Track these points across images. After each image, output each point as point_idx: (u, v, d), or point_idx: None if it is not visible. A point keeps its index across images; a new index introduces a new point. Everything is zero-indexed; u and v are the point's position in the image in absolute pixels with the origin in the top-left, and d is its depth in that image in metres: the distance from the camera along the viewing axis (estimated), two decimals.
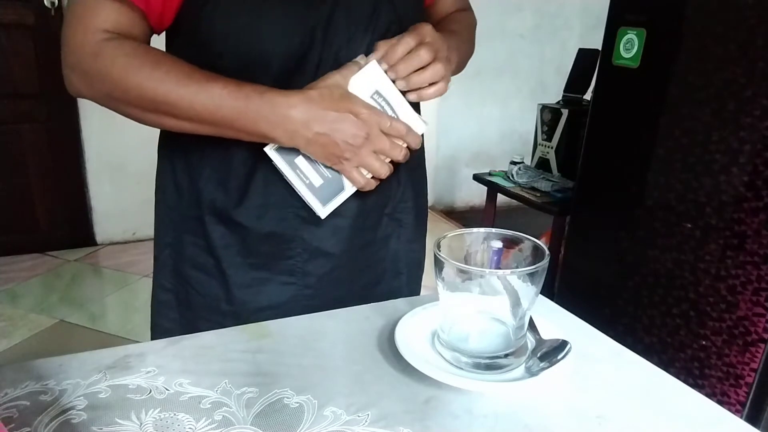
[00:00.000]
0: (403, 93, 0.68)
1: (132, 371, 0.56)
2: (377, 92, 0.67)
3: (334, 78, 0.66)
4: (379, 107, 0.68)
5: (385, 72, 0.67)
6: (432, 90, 0.69)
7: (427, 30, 0.68)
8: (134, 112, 0.67)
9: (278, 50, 0.66)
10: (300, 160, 0.68)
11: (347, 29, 0.68)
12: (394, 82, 0.67)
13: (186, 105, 0.64)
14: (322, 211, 0.70)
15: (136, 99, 0.65)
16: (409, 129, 0.69)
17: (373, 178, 0.69)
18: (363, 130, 0.65)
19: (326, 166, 0.68)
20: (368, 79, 0.66)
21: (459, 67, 0.82)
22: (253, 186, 0.72)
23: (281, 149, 0.67)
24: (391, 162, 0.69)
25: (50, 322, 2.35)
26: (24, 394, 0.52)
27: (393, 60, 0.66)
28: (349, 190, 0.70)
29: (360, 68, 0.66)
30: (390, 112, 0.68)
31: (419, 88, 0.68)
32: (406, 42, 0.66)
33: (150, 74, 0.64)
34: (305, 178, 0.68)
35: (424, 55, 0.66)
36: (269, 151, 0.67)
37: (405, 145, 0.69)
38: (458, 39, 0.80)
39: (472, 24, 0.90)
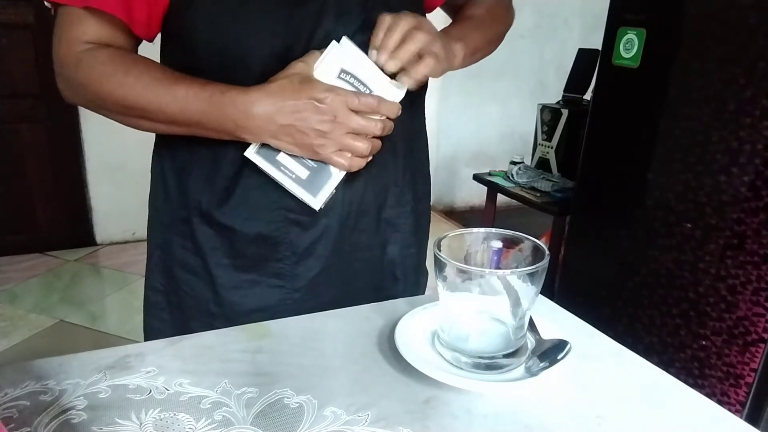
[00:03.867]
0: (393, 75, 0.66)
1: (132, 371, 0.56)
2: (343, 71, 0.65)
3: (296, 66, 0.65)
4: (348, 86, 0.66)
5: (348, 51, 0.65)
6: (421, 66, 0.66)
7: (401, 13, 0.65)
8: (115, 117, 0.70)
9: (260, 51, 0.66)
10: (282, 157, 0.66)
11: (335, 29, 0.67)
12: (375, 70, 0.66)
13: (155, 108, 0.65)
14: (315, 203, 0.68)
15: (112, 105, 0.67)
16: (380, 100, 0.65)
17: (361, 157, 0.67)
18: (328, 114, 0.63)
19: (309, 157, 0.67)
20: (332, 60, 0.65)
21: (479, 51, 0.80)
22: (240, 187, 0.71)
23: (261, 150, 0.66)
24: (382, 138, 0.67)
25: (50, 322, 2.35)
26: (24, 394, 0.52)
27: (377, 42, 0.65)
28: (338, 175, 0.67)
29: (322, 52, 0.65)
30: (362, 88, 0.66)
31: (408, 70, 0.66)
32: (381, 21, 0.65)
33: (122, 80, 0.65)
34: (290, 173, 0.66)
35: (420, 38, 0.64)
36: (250, 154, 0.66)
37: (382, 118, 0.66)
38: (471, 24, 0.78)
39: (498, 1, 0.86)
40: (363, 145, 0.65)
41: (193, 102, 0.64)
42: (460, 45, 0.74)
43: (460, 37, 0.75)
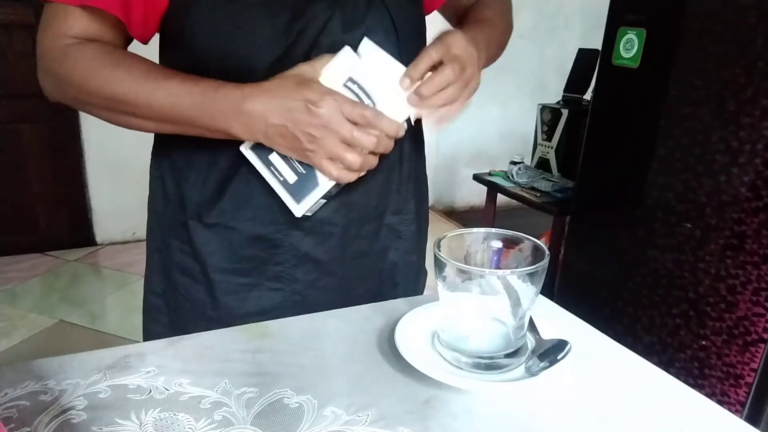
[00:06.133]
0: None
1: (132, 371, 0.56)
2: (351, 79, 0.63)
3: (300, 68, 0.63)
4: (353, 95, 0.63)
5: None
6: (443, 112, 0.65)
7: (455, 39, 0.63)
8: (102, 114, 0.67)
9: (262, 58, 0.64)
10: (274, 157, 0.64)
11: (337, 34, 0.66)
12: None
13: (144, 103, 0.63)
14: (297, 209, 0.65)
15: (99, 101, 0.65)
16: (378, 114, 0.62)
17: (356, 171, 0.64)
18: (320, 119, 0.60)
19: (300, 162, 0.64)
20: (341, 67, 0.63)
21: (493, 58, 0.80)
22: (240, 189, 0.70)
23: (256, 147, 0.65)
24: (381, 155, 0.65)
25: (50, 322, 2.35)
26: (24, 394, 0.52)
27: (416, 76, 0.62)
28: (325, 185, 0.65)
29: (332, 58, 0.63)
30: (366, 100, 0.63)
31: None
32: (428, 55, 0.62)
33: (110, 75, 0.64)
34: (280, 175, 0.65)
35: (448, 75, 0.62)
36: (244, 150, 0.65)
37: (378, 133, 0.62)
38: (489, 29, 0.76)
39: (502, 2, 0.85)
40: (353, 158, 0.62)
41: (184, 96, 0.62)
42: (482, 54, 0.71)
43: (482, 47, 0.71)
